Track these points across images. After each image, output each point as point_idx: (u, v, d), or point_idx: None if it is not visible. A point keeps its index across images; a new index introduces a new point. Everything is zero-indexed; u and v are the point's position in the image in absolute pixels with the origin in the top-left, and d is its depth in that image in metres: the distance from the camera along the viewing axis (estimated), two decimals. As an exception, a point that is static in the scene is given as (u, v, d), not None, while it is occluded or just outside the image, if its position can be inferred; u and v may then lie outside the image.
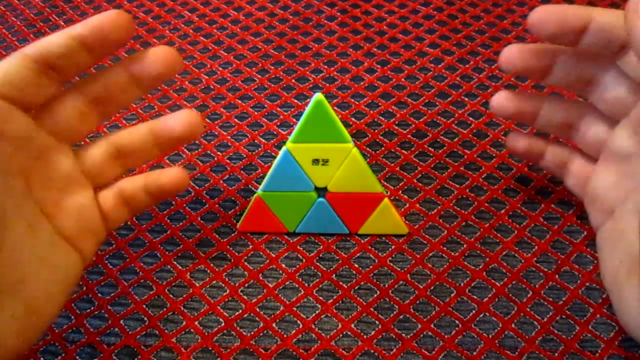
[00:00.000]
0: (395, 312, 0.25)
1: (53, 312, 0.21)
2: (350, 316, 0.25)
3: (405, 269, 0.27)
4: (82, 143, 0.26)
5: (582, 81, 0.24)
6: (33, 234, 0.21)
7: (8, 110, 0.21)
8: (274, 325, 0.25)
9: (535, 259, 0.27)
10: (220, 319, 0.25)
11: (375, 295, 0.26)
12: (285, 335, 0.25)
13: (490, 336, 0.24)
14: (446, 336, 0.24)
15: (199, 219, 0.29)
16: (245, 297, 0.26)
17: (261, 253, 0.28)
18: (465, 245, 0.27)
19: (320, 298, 0.26)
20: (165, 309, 0.26)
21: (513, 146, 0.27)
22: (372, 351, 0.24)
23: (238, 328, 0.25)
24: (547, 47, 0.24)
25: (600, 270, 0.24)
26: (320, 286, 0.26)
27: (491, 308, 0.25)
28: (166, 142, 0.25)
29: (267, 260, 0.27)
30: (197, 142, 0.33)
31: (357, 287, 0.26)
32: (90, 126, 0.24)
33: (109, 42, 0.22)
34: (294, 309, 0.26)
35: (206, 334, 0.25)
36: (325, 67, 0.37)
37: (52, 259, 0.22)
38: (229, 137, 0.33)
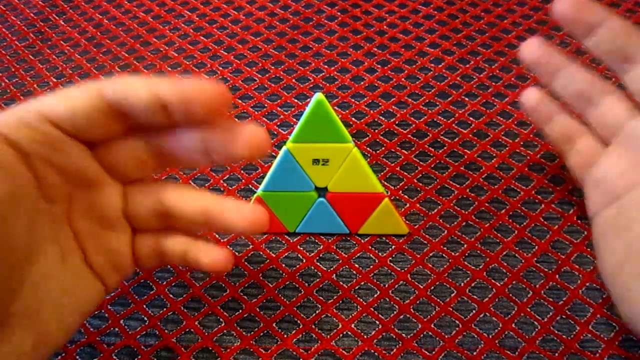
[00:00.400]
0: (395, 312, 0.25)
1: (62, 342, 0.21)
2: (350, 316, 0.25)
3: (406, 269, 0.27)
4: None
5: (622, 56, 0.23)
6: (63, 262, 0.20)
7: (63, 141, 0.20)
8: (274, 325, 0.25)
9: (535, 259, 0.27)
10: (220, 319, 0.25)
11: (376, 295, 0.26)
12: (285, 335, 0.25)
13: (490, 336, 0.24)
14: (446, 336, 0.24)
15: (199, 218, 0.29)
16: (245, 297, 0.26)
17: (261, 253, 0.28)
18: (465, 245, 0.27)
19: (320, 298, 0.26)
20: (165, 309, 0.26)
21: (526, 99, 0.27)
22: (372, 351, 0.24)
23: (238, 328, 0.25)
24: (600, 7, 0.24)
25: (600, 260, 0.24)
26: (320, 286, 0.26)
27: (491, 308, 0.25)
28: (218, 229, 0.22)
29: (267, 260, 0.27)
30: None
31: (357, 287, 0.26)
32: (146, 173, 0.22)
33: (195, 115, 0.19)
34: (294, 309, 0.26)
35: (206, 334, 0.25)
36: (326, 66, 0.37)
37: (76, 290, 0.21)
38: (229, 137, 0.33)
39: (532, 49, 0.26)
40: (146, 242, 0.23)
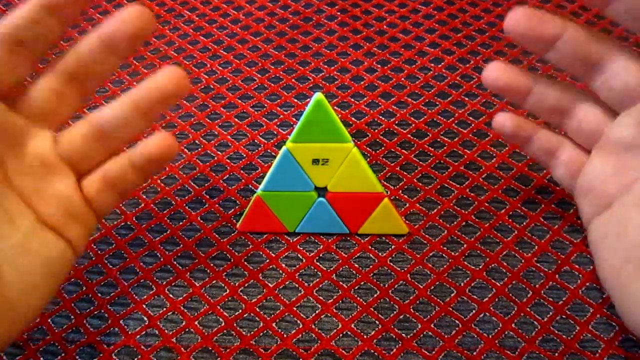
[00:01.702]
0: (395, 312, 0.25)
1: (37, 304, 0.21)
2: (350, 316, 0.25)
3: (405, 269, 0.27)
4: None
5: (588, 64, 0.22)
6: (12, 223, 0.20)
7: None
8: (274, 325, 0.25)
9: (535, 259, 0.27)
10: (220, 319, 0.25)
11: (375, 295, 0.26)
12: (285, 335, 0.25)
13: (490, 336, 0.24)
14: (446, 336, 0.24)
15: (199, 218, 0.29)
16: (245, 297, 0.26)
17: (261, 253, 0.28)
18: (465, 245, 0.27)
19: (320, 298, 0.26)
20: (165, 309, 0.26)
21: (501, 125, 0.26)
22: (372, 351, 0.24)
23: (238, 328, 0.25)
24: (556, 18, 0.22)
25: (598, 266, 0.23)
26: (320, 286, 0.26)
27: (491, 308, 0.25)
28: (152, 107, 0.23)
29: (267, 260, 0.27)
30: (197, 141, 0.33)
31: (357, 287, 0.26)
32: (70, 107, 0.23)
33: (77, 3, 0.21)
34: (294, 309, 0.26)
35: (206, 334, 0.25)
36: (325, 66, 0.37)
37: (32, 248, 0.21)
38: (228, 137, 0.33)
39: (495, 76, 0.24)
40: (93, 180, 0.23)
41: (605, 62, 0.22)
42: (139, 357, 0.24)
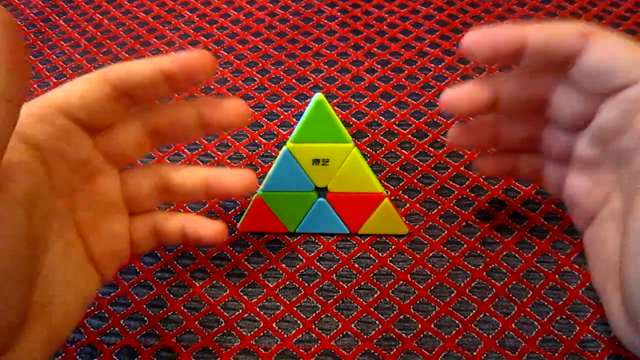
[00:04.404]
0: (395, 312, 0.25)
1: (68, 335, 0.21)
2: (350, 316, 0.25)
3: (406, 269, 0.27)
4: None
5: (535, 102, 0.23)
6: (67, 256, 0.20)
7: (74, 133, 0.20)
8: (274, 325, 0.25)
9: (535, 259, 0.27)
10: (220, 319, 0.25)
11: (375, 295, 0.26)
12: (285, 335, 0.25)
13: (490, 336, 0.24)
14: (446, 336, 0.24)
15: (199, 218, 0.29)
16: (245, 297, 0.26)
17: (261, 253, 0.28)
18: (465, 245, 0.27)
19: (320, 298, 0.26)
20: (165, 309, 0.26)
21: (483, 170, 0.26)
22: (372, 351, 0.24)
23: (238, 328, 0.25)
24: (487, 80, 0.23)
25: (591, 275, 0.23)
26: (320, 286, 0.26)
27: (491, 308, 0.25)
28: (218, 195, 0.24)
29: (267, 260, 0.27)
30: (197, 142, 0.33)
31: (357, 287, 0.26)
32: (143, 154, 0.24)
33: (192, 79, 0.21)
34: (294, 309, 0.26)
35: (206, 334, 0.25)
36: (326, 67, 0.37)
37: (78, 283, 0.21)
38: (229, 137, 0.33)
39: (459, 140, 0.25)
40: (143, 225, 0.24)
41: (549, 95, 0.22)
42: (139, 357, 0.24)
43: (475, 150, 0.31)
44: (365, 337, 0.25)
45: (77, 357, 0.24)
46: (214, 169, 0.24)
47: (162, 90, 0.22)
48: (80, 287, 0.21)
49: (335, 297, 0.26)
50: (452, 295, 0.26)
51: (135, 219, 0.24)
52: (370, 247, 0.28)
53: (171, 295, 0.26)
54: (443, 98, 0.23)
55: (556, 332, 0.24)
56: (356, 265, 0.27)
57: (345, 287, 0.26)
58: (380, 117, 0.33)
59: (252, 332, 0.25)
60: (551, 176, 0.25)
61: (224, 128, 0.23)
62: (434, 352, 0.24)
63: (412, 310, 0.25)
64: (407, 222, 0.28)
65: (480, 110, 0.23)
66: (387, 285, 0.26)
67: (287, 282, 0.27)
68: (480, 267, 0.27)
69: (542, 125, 0.24)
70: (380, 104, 0.34)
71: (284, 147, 0.25)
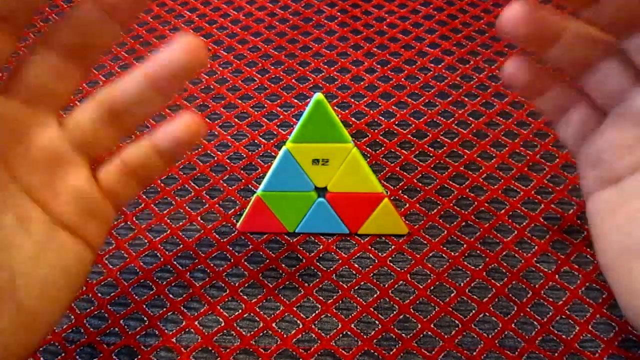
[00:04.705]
0: (395, 312, 0.25)
1: (58, 311, 0.19)
2: (350, 316, 0.25)
3: (405, 269, 0.27)
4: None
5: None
6: (25, 230, 0.18)
7: None
8: (273, 325, 0.25)
9: (535, 259, 0.27)
10: (220, 319, 0.25)
11: (375, 295, 0.26)
12: (285, 335, 0.25)
13: (490, 336, 0.24)
14: (446, 336, 0.24)
15: (199, 218, 0.29)
16: (245, 297, 0.26)
17: (261, 253, 0.28)
18: (465, 245, 0.27)
19: (320, 298, 0.26)
20: (165, 309, 0.26)
21: (514, 72, 0.22)
22: (372, 351, 0.24)
23: (238, 328, 0.25)
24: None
25: (596, 244, 0.21)
26: (320, 286, 0.26)
27: (491, 308, 0.25)
28: (168, 82, 0.20)
29: (267, 260, 0.27)
30: (197, 142, 0.33)
31: (356, 287, 0.26)
32: (71, 84, 0.20)
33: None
34: (294, 309, 0.26)
35: (206, 334, 0.25)
36: (325, 67, 0.37)
37: (49, 258, 0.19)
38: (229, 137, 0.33)
39: (519, 15, 0.19)
40: (111, 169, 0.21)
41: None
42: (139, 357, 0.24)
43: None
44: (365, 337, 0.25)
45: (77, 357, 0.24)
46: (150, 59, 0.20)
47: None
48: (52, 260, 0.19)
49: (335, 297, 0.26)
50: (452, 295, 0.26)
51: (102, 166, 0.21)
52: (370, 247, 0.28)
53: (171, 295, 0.26)
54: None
55: (556, 332, 0.24)
56: (356, 265, 0.27)
57: (345, 287, 0.26)
58: (380, 117, 0.33)
59: (252, 332, 0.25)
60: (577, 120, 0.22)
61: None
62: (433, 352, 0.24)
63: (411, 310, 0.25)
64: (407, 222, 0.28)
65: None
66: (386, 285, 0.26)
67: (287, 282, 0.27)
68: (480, 267, 0.27)
69: (606, 54, 0.20)
70: (380, 104, 0.34)
71: (284, 147, 0.25)
